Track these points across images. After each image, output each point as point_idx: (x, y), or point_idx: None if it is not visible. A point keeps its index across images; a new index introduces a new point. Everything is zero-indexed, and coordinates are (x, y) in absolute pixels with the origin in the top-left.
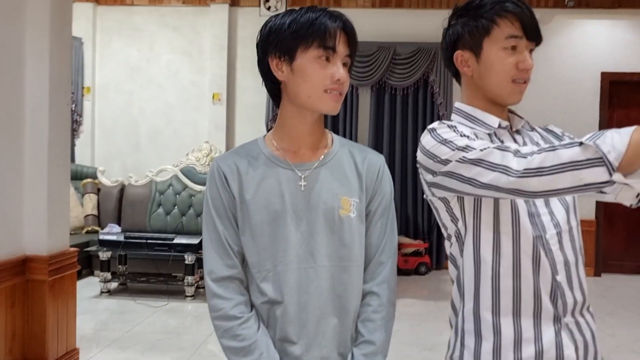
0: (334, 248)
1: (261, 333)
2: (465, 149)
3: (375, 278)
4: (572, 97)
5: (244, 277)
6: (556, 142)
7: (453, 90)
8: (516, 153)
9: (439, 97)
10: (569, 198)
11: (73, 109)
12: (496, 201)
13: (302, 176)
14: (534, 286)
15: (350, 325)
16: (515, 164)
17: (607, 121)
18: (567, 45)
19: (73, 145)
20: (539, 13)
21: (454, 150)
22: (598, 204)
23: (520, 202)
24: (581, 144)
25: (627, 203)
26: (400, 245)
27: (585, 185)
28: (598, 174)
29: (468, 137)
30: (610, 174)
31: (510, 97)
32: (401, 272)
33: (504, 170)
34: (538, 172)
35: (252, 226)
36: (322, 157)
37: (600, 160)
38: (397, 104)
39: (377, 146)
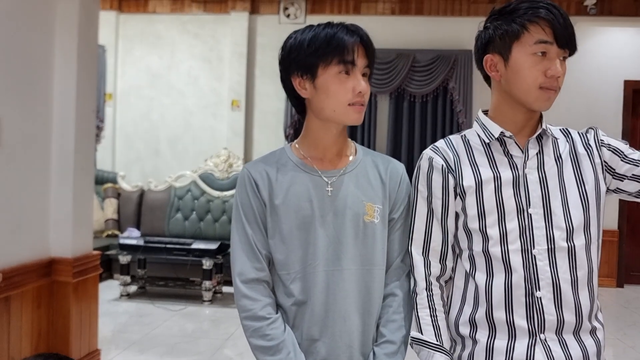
0: (358, 252)
1: (288, 333)
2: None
3: (396, 280)
4: (595, 106)
5: (271, 280)
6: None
7: (473, 97)
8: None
9: (459, 104)
10: (580, 215)
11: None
12: (481, 216)
13: (329, 182)
14: (505, 299)
15: (372, 326)
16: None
17: (630, 130)
18: (589, 53)
19: (95, 150)
20: None
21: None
22: (622, 213)
23: (512, 215)
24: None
25: None
26: None
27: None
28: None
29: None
30: None
31: (536, 104)
32: None
33: None
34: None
35: (282, 230)
36: (347, 165)
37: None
38: (416, 111)
39: (395, 154)
